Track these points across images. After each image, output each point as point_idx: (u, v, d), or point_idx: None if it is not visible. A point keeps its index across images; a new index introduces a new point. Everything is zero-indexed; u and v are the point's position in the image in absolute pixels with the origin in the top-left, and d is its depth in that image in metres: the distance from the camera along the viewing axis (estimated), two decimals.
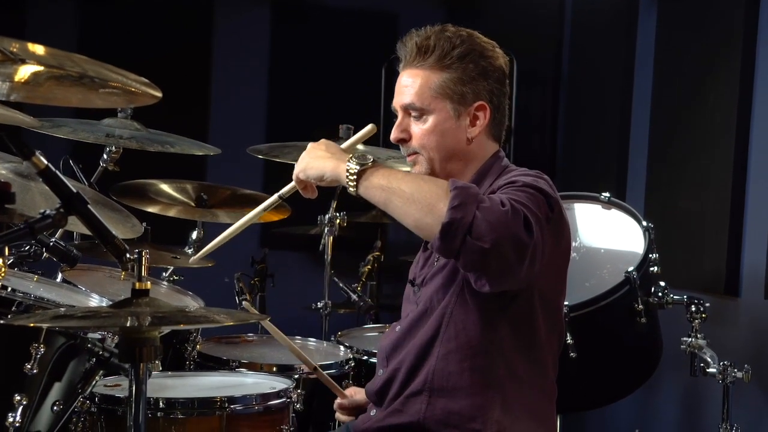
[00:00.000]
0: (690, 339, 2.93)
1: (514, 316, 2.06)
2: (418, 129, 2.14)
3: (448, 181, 1.89)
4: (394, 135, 2.18)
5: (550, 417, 2.19)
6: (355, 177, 1.97)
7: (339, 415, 2.53)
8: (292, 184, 2.14)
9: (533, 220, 1.87)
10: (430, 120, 2.12)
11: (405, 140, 2.17)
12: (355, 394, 2.54)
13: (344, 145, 2.19)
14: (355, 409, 2.47)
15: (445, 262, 2.12)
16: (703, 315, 2.96)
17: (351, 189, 1.99)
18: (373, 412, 2.26)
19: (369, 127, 2.19)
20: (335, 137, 3.54)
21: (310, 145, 2.12)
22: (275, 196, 2.18)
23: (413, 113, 2.14)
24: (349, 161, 1.99)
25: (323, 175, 2.04)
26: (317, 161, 2.06)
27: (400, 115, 2.18)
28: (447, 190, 1.86)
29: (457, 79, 2.11)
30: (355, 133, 3.65)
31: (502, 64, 2.18)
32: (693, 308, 2.97)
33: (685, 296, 3.00)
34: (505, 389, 2.07)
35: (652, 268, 3.01)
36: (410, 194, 1.90)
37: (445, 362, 2.09)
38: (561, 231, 2.06)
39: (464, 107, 2.13)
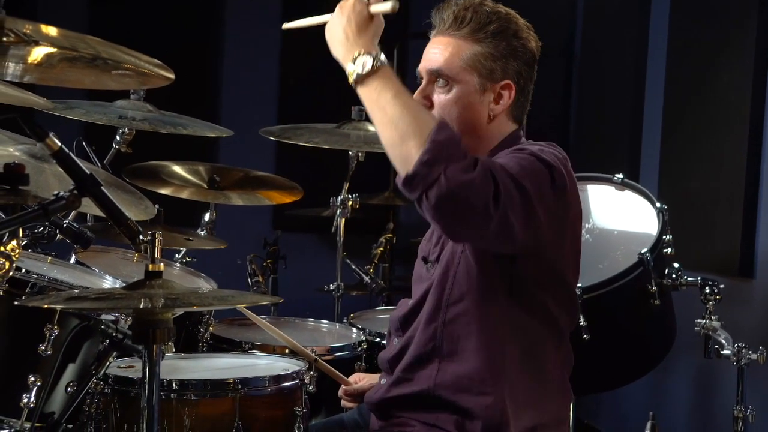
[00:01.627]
0: (704, 321, 2.92)
1: (517, 280, 2.04)
2: (440, 98, 2.11)
3: (434, 120, 1.88)
4: (415, 98, 2.13)
5: (563, 381, 2.17)
6: (354, 79, 1.96)
7: (344, 402, 2.53)
8: None
9: (516, 189, 1.85)
10: (455, 90, 2.09)
11: (425, 106, 2.12)
12: (359, 380, 2.54)
13: (373, 9, 2.01)
14: (360, 396, 2.47)
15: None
16: (717, 297, 2.95)
17: (351, 84, 1.98)
18: (384, 381, 2.25)
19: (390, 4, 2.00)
20: (347, 119, 3.54)
21: (338, 8, 2.05)
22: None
23: (439, 81, 2.11)
24: (355, 59, 1.96)
25: (337, 57, 2.02)
26: (334, 41, 2.03)
27: (424, 80, 2.14)
28: (426, 132, 1.84)
29: (488, 54, 2.08)
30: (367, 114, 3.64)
31: (533, 48, 2.16)
32: (707, 290, 2.95)
33: (699, 278, 2.98)
34: (513, 352, 2.05)
35: (665, 250, 2.99)
36: (390, 119, 1.89)
37: (452, 326, 2.08)
38: (567, 202, 2.04)
39: (490, 83, 2.11)
